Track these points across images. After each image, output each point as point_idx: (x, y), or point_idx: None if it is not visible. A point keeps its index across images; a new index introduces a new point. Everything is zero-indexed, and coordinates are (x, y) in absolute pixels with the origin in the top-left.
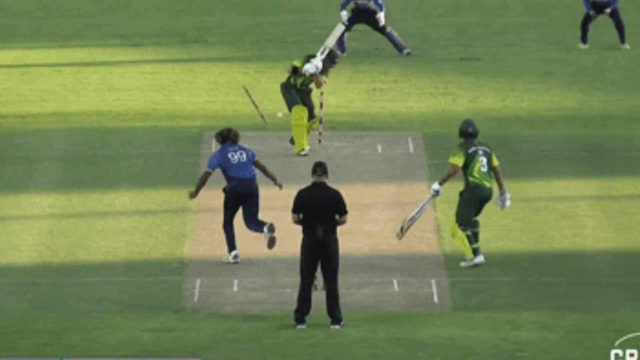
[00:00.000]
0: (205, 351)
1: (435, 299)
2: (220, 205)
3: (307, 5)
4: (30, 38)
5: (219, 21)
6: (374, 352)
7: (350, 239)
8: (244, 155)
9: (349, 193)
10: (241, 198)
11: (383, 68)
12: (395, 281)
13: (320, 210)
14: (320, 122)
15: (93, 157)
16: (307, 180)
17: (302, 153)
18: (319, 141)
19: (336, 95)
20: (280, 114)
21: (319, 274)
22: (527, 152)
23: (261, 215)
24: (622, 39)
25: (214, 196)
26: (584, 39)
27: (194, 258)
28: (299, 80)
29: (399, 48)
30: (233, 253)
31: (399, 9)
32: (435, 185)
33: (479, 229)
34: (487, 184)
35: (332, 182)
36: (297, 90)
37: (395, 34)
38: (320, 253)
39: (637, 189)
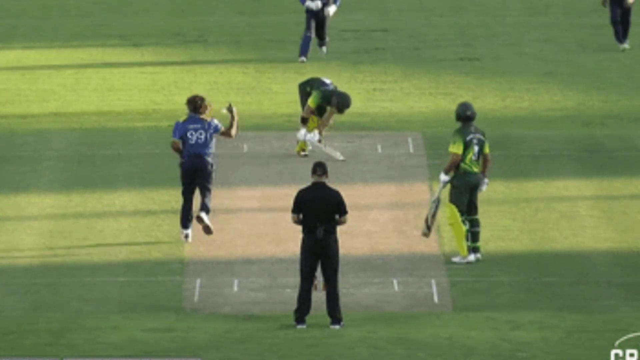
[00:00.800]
0: (205, 351)
1: (435, 299)
2: (220, 205)
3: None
4: (30, 38)
5: (219, 21)
6: (374, 352)
7: (350, 239)
8: (203, 136)
9: (349, 193)
10: (192, 173)
11: (383, 68)
12: (395, 281)
13: (320, 210)
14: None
15: (93, 157)
16: (307, 180)
17: (302, 154)
18: (319, 141)
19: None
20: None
21: (319, 274)
22: (527, 152)
23: (261, 215)
24: (625, 37)
25: (214, 196)
26: (619, 38)
27: (194, 258)
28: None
29: (302, 52)
30: (184, 232)
31: (399, 9)
32: (443, 176)
33: (480, 229)
34: (476, 169)
35: (332, 182)
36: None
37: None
38: (320, 253)
39: (637, 189)
